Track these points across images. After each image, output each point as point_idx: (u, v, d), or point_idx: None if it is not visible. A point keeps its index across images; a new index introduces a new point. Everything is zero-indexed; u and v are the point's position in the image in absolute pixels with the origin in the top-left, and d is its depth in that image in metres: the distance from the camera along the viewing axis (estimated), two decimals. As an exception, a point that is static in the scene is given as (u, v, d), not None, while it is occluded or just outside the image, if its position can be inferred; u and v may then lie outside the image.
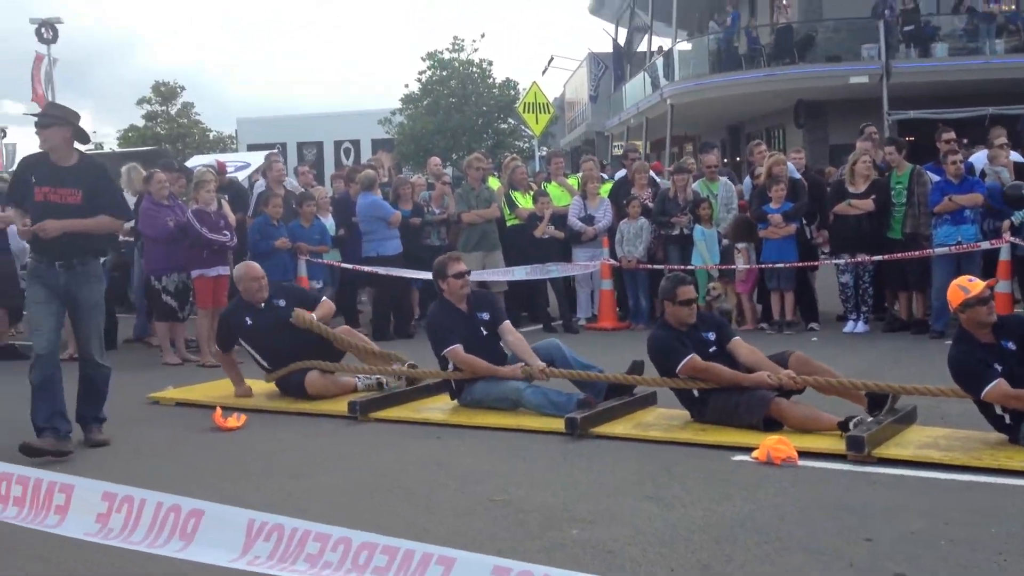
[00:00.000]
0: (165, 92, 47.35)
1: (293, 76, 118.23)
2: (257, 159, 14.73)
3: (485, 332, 7.39)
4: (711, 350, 6.60)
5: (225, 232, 10.06)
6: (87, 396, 6.67)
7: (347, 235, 11.71)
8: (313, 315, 7.88)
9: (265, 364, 7.95)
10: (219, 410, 7.06)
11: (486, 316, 7.45)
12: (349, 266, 11.36)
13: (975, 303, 5.67)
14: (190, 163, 15.12)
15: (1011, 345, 5.68)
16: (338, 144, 36.60)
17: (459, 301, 7.44)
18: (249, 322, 7.90)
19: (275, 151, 13.94)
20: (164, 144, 39.67)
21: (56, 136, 6.30)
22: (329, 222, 11.58)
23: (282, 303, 8.02)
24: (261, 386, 8.35)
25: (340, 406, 7.30)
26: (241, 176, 13.95)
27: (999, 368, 5.56)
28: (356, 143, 36.63)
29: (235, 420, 6.98)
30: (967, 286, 5.75)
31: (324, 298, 8.51)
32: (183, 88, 47.97)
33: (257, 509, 3.03)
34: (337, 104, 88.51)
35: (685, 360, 6.45)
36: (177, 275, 9.99)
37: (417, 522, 4.79)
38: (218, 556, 2.79)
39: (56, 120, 6.36)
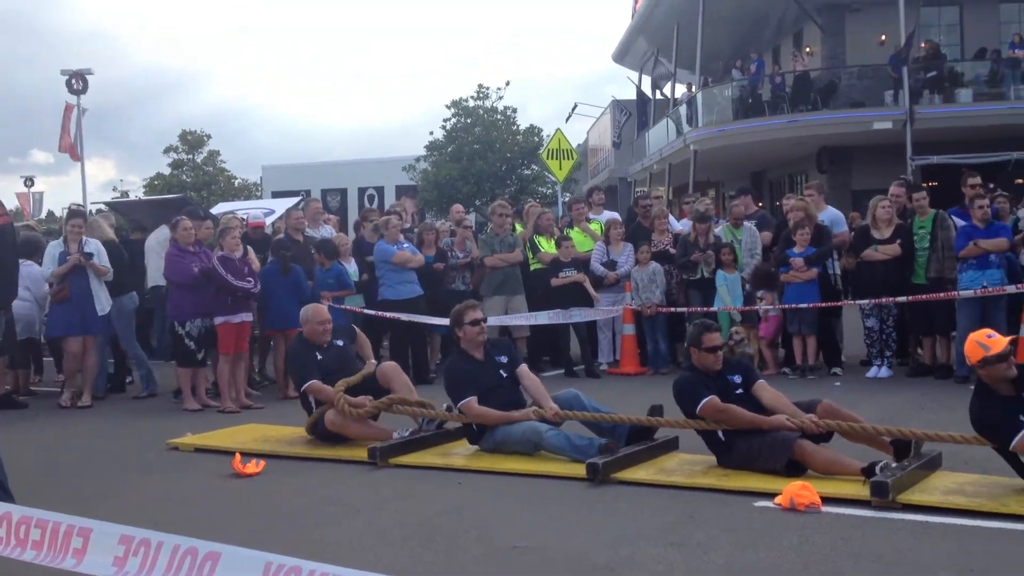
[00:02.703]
0: (192, 140, 47.94)
1: (319, 123, 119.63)
2: (282, 206, 14.85)
3: (504, 375, 7.43)
4: (737, 392, 6.59)
5: (249, 279, 10.14)
6: None
7: (369, 280, 11.75)
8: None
9: (315, 407, 7.93)
10: (238, 456, 7.05)
11: (504, 359, 7.50)
12: (369, 312, 11.37)
13: (995, 360, 5.62)
14: (215, 210, 15.27)
15: None
16: (362, 191, 36.86)
17: (475, 349, 7.47)
18: (320, 357, 8.00)
19: (311, 197, 13.98)
20: (189, 192, 40.06)
21: None
22: (352, 267, 11.63)
23: (340, 343, 8.23)
24: (279, 431, 8.37)
25: (360, 452, 7.28)
26: (268, 223, 14.07)
27: (1023, 419, 5.49)
28: (380, 190, 36.87)
29: (254, 466, 6.97)
30: (986, 343, 5.68)
31: (357, 329, 8.77)
32: (209, 136, 48.60)
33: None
34: (362, 151, 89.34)
35: (704, 401, 6.45)
36: (201, 320, 10.05)
37: (438, 569, 4.76)
38: (234, 599, 2.77)
39: None
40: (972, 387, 5.93)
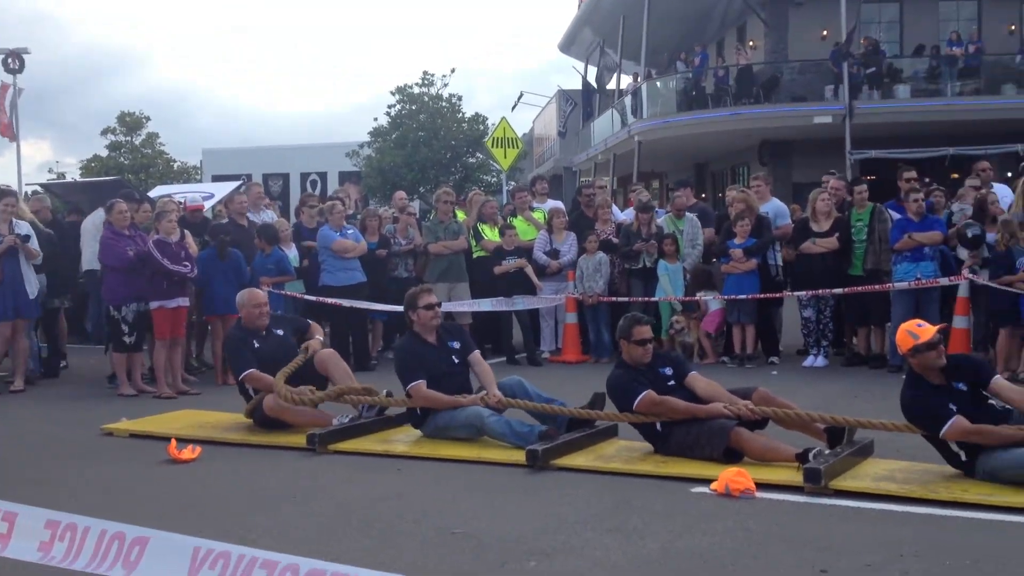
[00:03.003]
0: (131, 122, 47.05)
1: (262, 108, 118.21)
2: (222, 190, 14.63)
3: (456, 360, 7.44)
4: (669, 384, 6.64)
5: (186, 263, 9.99)
6: None
7: (310, 266, 11.64)
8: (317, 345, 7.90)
9: (253, 395, 7.83)
10: (174, 442, 6.94)
11: (456, 345, 7.51)
12: (309, 298, 11.26)
13: (925, 348, 5.73)
14: (152, 193, 15.00)
15: (962, 386, 5.73)
16: (305, 176, 36.48)
17: (428, 333, 7.45)
18: (257, 345, 7.88)
19: (252, 182, 13.79)
20: (127, 174, 39.32)
21: None
22: (293, 253, 11.51)
23: (281, 332, 8.07)
24: (216, 418, 8.27)
25: (299, 439, 7.21)
26: (207, 207, 13.84)
27: (954, 407, 5.61)
28: (323, 175, 36.52)
29: (190, 452, 6.87)
30: (916, 332, 5.80)
31: (311, 322, 8.51)
32: (148, 118, 47.73)
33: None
34: (305, 136, 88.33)
35: (641, 396, 6.49)
36: (136, 305, 9.88)
37: (375, 554, 4.73)
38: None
39: None
40: (904, 376, 6.04)
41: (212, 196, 14.65)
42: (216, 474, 6.54)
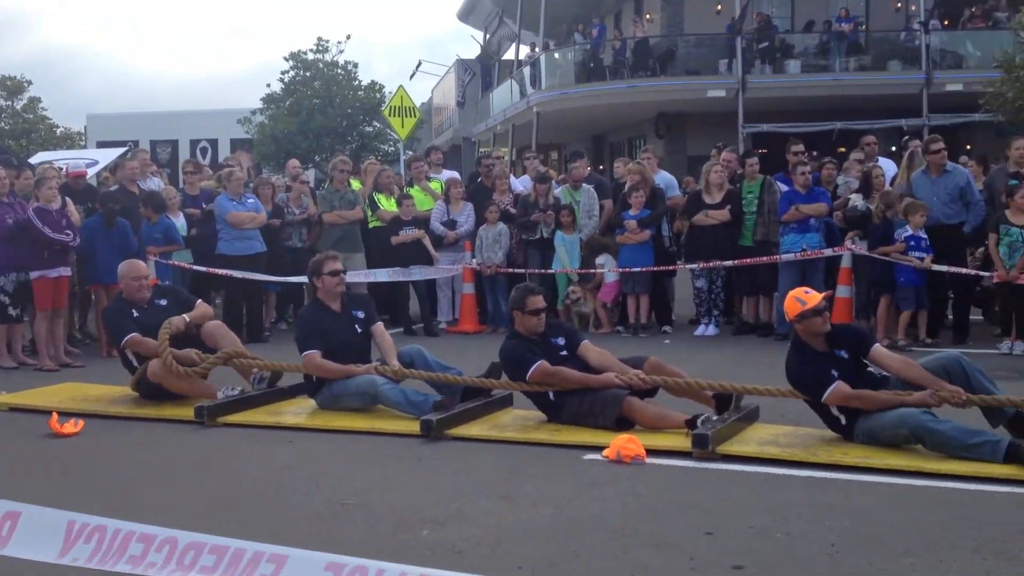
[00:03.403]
0: (11, 86, 45.09)
1: (150, 72, 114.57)
2: (106, 156, 14.14)
3: (360, 330, 7.38)
4: (562, 354, 6.70)
5: (68, 232, 9.63)
6: None
7: (198, 235, 11.36)
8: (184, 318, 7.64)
9: (137, 365, 7.61)
10: (55, 415, 6.71)
11: (361, 315, 7.44)
12: (198, 268, 11.00)
13: (811, 314, 5.91)
14: (34, 160, 14.42)
15: (844, 354, 5.94)
16: (194, 143, 35.43)
17: (333, 300, 7.37)
18: (136, 315, 7.64)
19: (138, 148, 13.37)
20: (7, 140, 37.70)
21: None
22: (180, 222, 11.21)
23: (164, 303, 7.83)
24: (101, 391, 8.04)
25: (187, 411, 7.05)
26: (89, 174, 13.36)
27: (835, 373, 5.80)
28: (214, 142, 35.57)
29: (72, 426, 6.66)
30: (803, 298, 5.97)
31: (199, 300, 8.22)
32: (30, 82, 45.80)
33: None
34: (195, 102, 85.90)
35: (535, 366, 6.53)
36: (16, 275, 9.50)
37: (265, 527, 4.65)
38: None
39: None
40: (790, 343, 6.21)
41: (96, 163, 14.15)
42: (100, 449, 6.37)
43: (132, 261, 8.18)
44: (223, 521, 4.73)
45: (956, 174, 10.13)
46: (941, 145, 10.19)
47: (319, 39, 32.81)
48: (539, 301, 6.75)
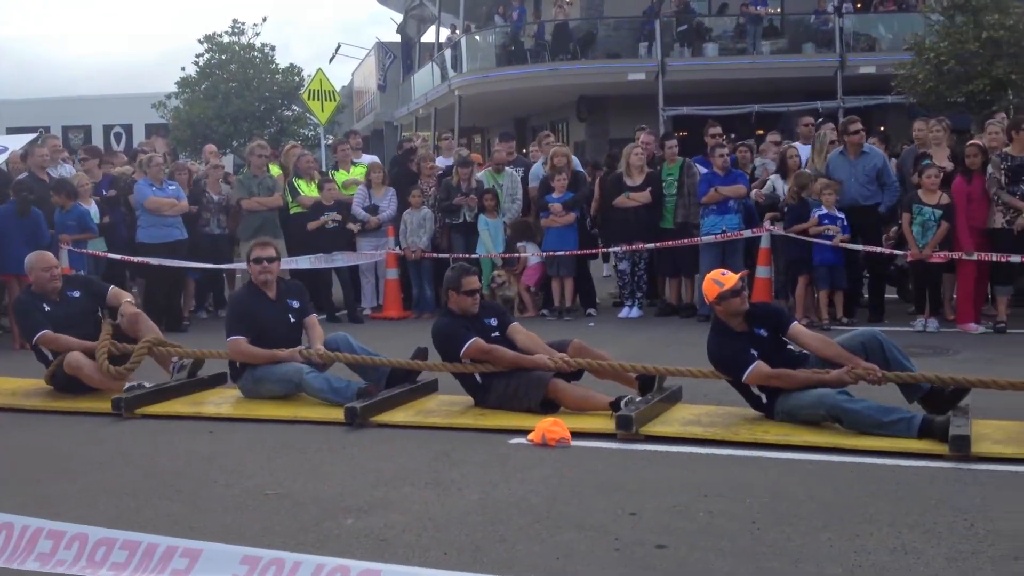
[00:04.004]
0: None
1: (61, 56, 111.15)
2: (16, 143, 13.67)
3: (293, 320, 7.29)
4: (493, 335, 6.71)
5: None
6: None
7: (112, 222, 11.07)
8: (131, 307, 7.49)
9: (52, 358, 7.38)
10: (-36, 410, 6.51)
11: (295, 304, 7.34)
12: (114, 256, 10.72)
13: (729, 295, 5.99)
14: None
15: (763, 332, 6.04)
16: (108, 128, 34.58)
17: (264, 287, 7.25)
18: (48, 308, 7.41)
19: (49, 134, 12.96)
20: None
21: None
22: (94, 209, 10.91)
23: (77, 294, 7.61)
24: (14, 383, 7.81)
25: (104, 403, 6.87)
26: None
27: (755, 353, 5.90)
28: (128, 128, 34.77)
29: (-18, 420, 6.46)
30: (721, 279, 6.06)
31: (112, 286, 8.00)
32: (-65, 66, 44.14)
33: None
34: (108, 86, 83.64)
35: (468, 343, 6.52)
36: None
37: (184, 520, 4.58)
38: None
39: None
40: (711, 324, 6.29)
41: (6, 150, 13.66)
42: (13, 442, 6.20)
43: (40, 252, 7.92)
44: (140, 515, 4.65)
45: (873, 155, 10.35)
46: (859, 127, 10.38)
47: (234, 21, 32.09)
48: (475, 281, 6.76)
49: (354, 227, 11.53)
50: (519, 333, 6.76)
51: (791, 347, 6.12)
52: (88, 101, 36.86)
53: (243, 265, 9.32)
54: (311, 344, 7.21)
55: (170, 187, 11.00)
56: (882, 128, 16.28)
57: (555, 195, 11.10)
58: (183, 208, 10.99)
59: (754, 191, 10.77)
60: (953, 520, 4.31)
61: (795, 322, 6.21)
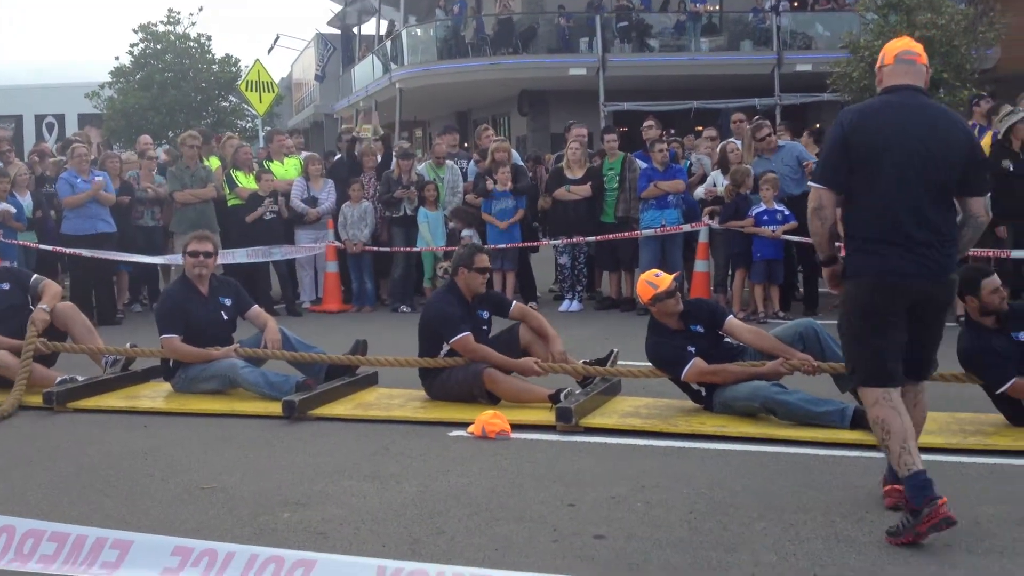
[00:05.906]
0: None
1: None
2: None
3: (226, 317, 7.18)
4: (484, 328, 6.76)
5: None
6: None
7: (43, 216, 10.81)
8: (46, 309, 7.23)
9: None
10: None
11: (228, 302, 7.23)
12: (45, 247, 10.48)
13: (664, 296, 6.05)
14: None
15: (699, 328, 6.12)
16: (39, 118, 33.75)
17: (200, 282, 7.13)
18: None
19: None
20: None
21: None
22: (27, 201, 10.65)
23: (6, 287, 7.43)
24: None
25: (35, 398, 6.72)
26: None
27: (692, 350, 5.96)
28: (60, 118, 33.96)
29: (-94, 416, 6.27)
30: (655, 281, 6.11)
31: (45, 279, 7.75)
32: None
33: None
34: (38, 75, 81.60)
35: (458, 336, 6.48)
36: None
37: (119, 515, 4.50)
38: None
39: None
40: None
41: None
42: (-62, 440, 6.01)
43: None
44: (73, 510, 4.56)
45: (789, 147, 10.56)
46: (765, 132, 10.56)
47: (170, 10, 31.54)
48: (486, 260, 6.71)
49: (287, 210, 11.37)
50: (527, 316, 6.82)
51: (728, 340, 6.19)
52: (18, 91, 35.94)
53: (177, 258, 9.20)
54: (263, 334, 7.05)
55: (97, 177, 10.71)
56: (817, 125, 16.47)
57: (499, 188, 11.04)
58: (110, 200, 10.73)
59: (704, 189, 10.84)
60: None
61: (730, 316, 6.29)
